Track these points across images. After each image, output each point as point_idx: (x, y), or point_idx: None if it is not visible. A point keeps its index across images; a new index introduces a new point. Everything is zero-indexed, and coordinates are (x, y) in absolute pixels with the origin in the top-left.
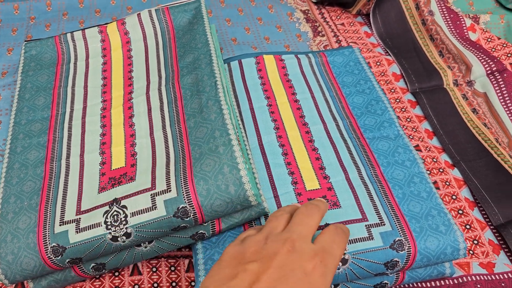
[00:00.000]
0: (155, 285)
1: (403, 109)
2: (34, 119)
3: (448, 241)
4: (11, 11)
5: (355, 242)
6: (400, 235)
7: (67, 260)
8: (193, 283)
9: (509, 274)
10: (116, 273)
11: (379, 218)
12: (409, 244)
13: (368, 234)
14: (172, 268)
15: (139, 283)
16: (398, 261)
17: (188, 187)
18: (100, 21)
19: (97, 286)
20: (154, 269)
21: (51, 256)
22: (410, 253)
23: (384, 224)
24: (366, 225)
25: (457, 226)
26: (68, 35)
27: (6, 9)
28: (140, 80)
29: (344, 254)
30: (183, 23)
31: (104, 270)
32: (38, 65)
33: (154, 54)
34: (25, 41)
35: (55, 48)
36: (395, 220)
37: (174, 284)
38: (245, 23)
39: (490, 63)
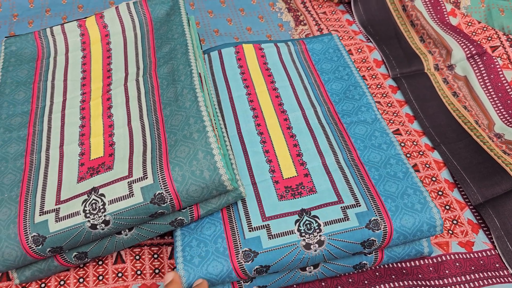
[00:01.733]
0: (139, 272)
1: (384, 95)
2: (14, 113)
3: (424, 218)
4: None
5: (331, 224)
6: (376, 215)
7: (48, 249)
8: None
9: (488, 252)
10: (100, 262)
11: (354, 200)
12: (384, 223)
13: (344, 215)
14: (155, 256)
15: (122, 271)
16: (375, 240)
17: (164, 174)
18: (83, 16)
19: (81, 275)
20: (137, 257)
21: (32, 246)
22: (386, 232)
23: (359, 205)
24: (341, 207)
25: (433, 203)
26: (48, 30)
27: None
28: (119, 72)
29: (320, 235)
30: (161, 15)
31: (86, 259)
32: (18, 60)
33: (132, 46)
34: (5, 37)
35: (35, 43)
36: (371, 200)
37: (157, 271)
38: (227, 14)
39: (470, 46)
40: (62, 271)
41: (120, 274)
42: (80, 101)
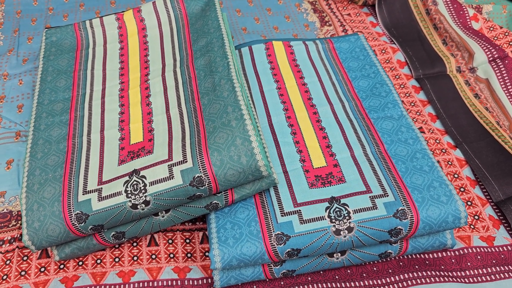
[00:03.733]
0: (171, 255)
1: (407, 94)
2: (56, 99)
3: (450, 210)
4: (30, 2)
5: (360, 212)
6: (403, 205)
7: (90, 227)
8: (207, 253)
9: (509, 247)
10: (135, 244)
11: (382, 190)
12: (411, 213)
13: (372, 204)
14: (187, 241)
15: (156, 253)
16: (402, 229)
17: (203, 158)
18: (115, 11)
19: (117, 254)
20: (170, 241)
21: (75, 223)
22: (413, 221)
23: (387, 195)
24: (370, 196)
25: (458, 196)
26: (87, 22)
27: (26, 0)
28: (156, 63)
29: (350, 222)
30: (196, 11)
31: (123, 239)
32: (58, 50)
33: (168, 39)
34: (46, 28)
35: (74, 35)
36: (398, 191)
37: (189, 255)
38: (254, 13)
39: (492, 50)
40: (99, 250)
41: (154, 256)
42: (119, 90)
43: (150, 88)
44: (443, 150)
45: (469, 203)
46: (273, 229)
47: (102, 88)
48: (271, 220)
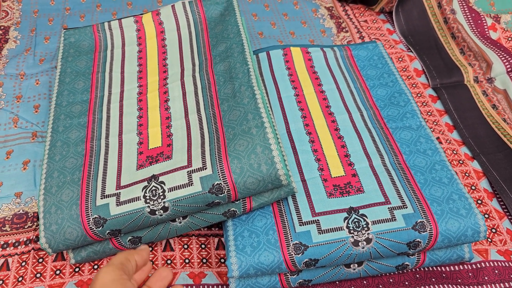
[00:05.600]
0: (187, 260)
1: (424, 103)
2: (75, 101)
3: (469, 223)
4: (47, 1)
5: (378, 223)
6: (422, 217)
7: (107, 231)
8: (222, 260)
9: None
10: (150, 248)
11: (401, 201)
12: (430, 225)
13: (391, 215)
14: (203, 246)
15: (171, 258)
16: (420, 242)
17: (222, 165)
18: (132, 12)
19: None
20: (185, 246)
21: (93, 227)
22: (432, 234)
23: (406, 207)
24: (389, 208)
25: (478, 210)
26: (106, 24)
27: (43, 0)
28: (174, 67)
29: (368, 233)
30: (215, 15)
31: (139, 244)
32: (76, 51)
33: (187, 43)
34: (64, 28)
35: (93, 36)
36: (417, 203)
37: (204, 260)
38: (271, 18)
39: (511, 60)
40: (115, 254)
41: (169, 261)
42: (137, 93)
43: (169, 92)
44: (460, 161)
45: (486, 215)
46: (291, 238)
47: (121, 91)
48: (289, 229)
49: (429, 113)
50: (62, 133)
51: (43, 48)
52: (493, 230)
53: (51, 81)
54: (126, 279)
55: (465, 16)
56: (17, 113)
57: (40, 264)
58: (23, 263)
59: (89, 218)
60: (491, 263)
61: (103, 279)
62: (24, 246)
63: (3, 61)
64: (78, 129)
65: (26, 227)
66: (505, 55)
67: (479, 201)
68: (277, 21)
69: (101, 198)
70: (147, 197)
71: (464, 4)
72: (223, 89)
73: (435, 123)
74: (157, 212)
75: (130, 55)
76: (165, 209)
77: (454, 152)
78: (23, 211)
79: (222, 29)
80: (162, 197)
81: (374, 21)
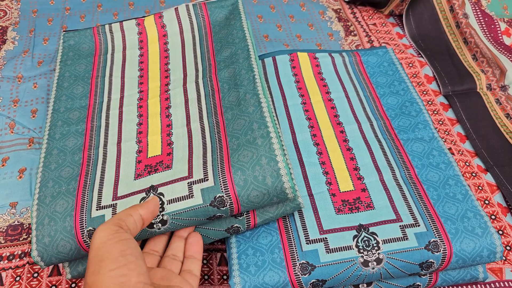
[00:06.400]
0: None
1: (435, 112)
2: (73, 107)
3: (485, 243)
4: (46, 1)
5: (389, 242)
6: (436, 236)
7: None
8: (224, 276)
9: None
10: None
11: (413, 219)
12: (444, 245)
13: (403, 234)
14: (205, 262)
15: None
16: (433, 262)
17: (225, 177)
18: (134, 13)
19: None
20: None
21: (87, 240)
22: (446, 254)
23: (418, 225)
24: (400, 226)
25: (494, 229)
26: (106, 26)
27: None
28: (177, 72)
29: (379, 253)
30: (220, 19)
31: None
32: (76, 55)
33: (190, 48)
34: (64, 31)
35: (93, 39)
36: (430, 221)
37: (206, 276)
38: (277, 20)
39: None
40: None
41: None
42: (138, 99)
43: (171, 99)
44: (473, 174)
45: (500, 232)
46: (297, 257)
47: (120, 96)
48: (295, 248)
49: (440, 122)
50: (58, 141)
51: (41, 49)
52: (508, 248)
53: (49, 85)
54: (128, 237)
55: (478, 21)
56: (14, 118)
57: (35, 279)
58: (17, 278)
59: (83, 230)
60: (506, 283)
61: (99, 239)
62: (18, 259)
63: (0, 63)
64: (75, 137)
65: (21, 239)
66: None
67: (493, 216)
68: (283, 23)
69: (97, 210)
70: None
71: (477, 8)
72: (227, 97)
73: (446, 133)
74: (155, 226)
75: (131, 59)
76: (163, 222)
77: (467, 164)
78: (18, 222)
79: (227, 33)
80: (160, 209)
81: (384, 24)
